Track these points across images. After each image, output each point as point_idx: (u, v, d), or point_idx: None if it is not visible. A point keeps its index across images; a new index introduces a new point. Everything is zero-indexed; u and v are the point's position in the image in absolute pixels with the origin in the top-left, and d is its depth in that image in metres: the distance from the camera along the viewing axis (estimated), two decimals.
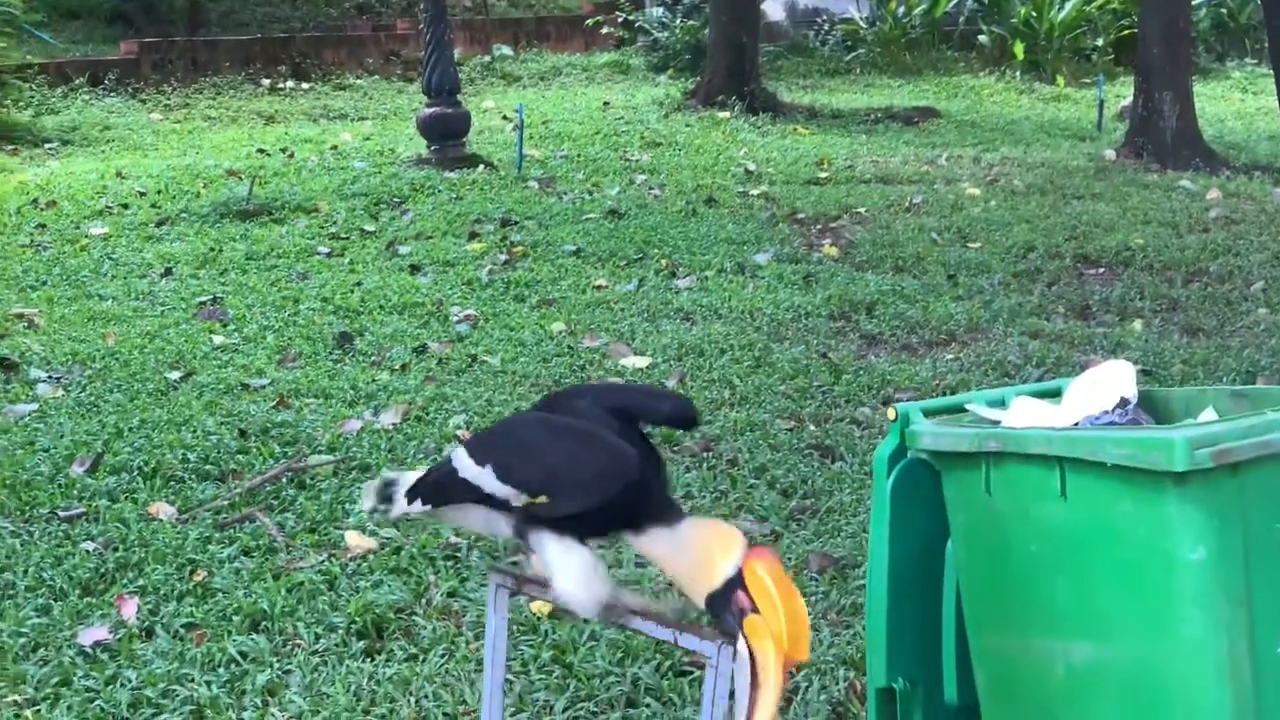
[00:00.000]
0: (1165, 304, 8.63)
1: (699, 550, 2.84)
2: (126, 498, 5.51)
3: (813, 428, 6.39)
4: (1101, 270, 9.57)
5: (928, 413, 3.37)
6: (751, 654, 2.75)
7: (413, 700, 4.03)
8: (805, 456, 6.00)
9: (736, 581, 2.76)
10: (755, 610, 2.73)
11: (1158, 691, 2.85)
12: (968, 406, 3.39)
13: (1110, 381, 3.33)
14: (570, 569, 2.84)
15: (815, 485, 5.66)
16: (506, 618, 3.13)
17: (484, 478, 2.93)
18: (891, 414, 3.33)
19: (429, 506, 3.13)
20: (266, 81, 19.35)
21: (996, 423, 3.28)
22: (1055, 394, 3.49)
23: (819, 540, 5.14)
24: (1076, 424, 3.22)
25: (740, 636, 2.76)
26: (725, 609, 2.77)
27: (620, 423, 2.92)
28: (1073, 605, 2.96)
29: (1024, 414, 3.29)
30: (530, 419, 3.08)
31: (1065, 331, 8.01)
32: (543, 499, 2.87)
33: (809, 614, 4.51)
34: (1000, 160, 14.17)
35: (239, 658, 4.27)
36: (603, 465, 2.83)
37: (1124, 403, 3.23)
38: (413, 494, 3.18)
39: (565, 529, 2.85)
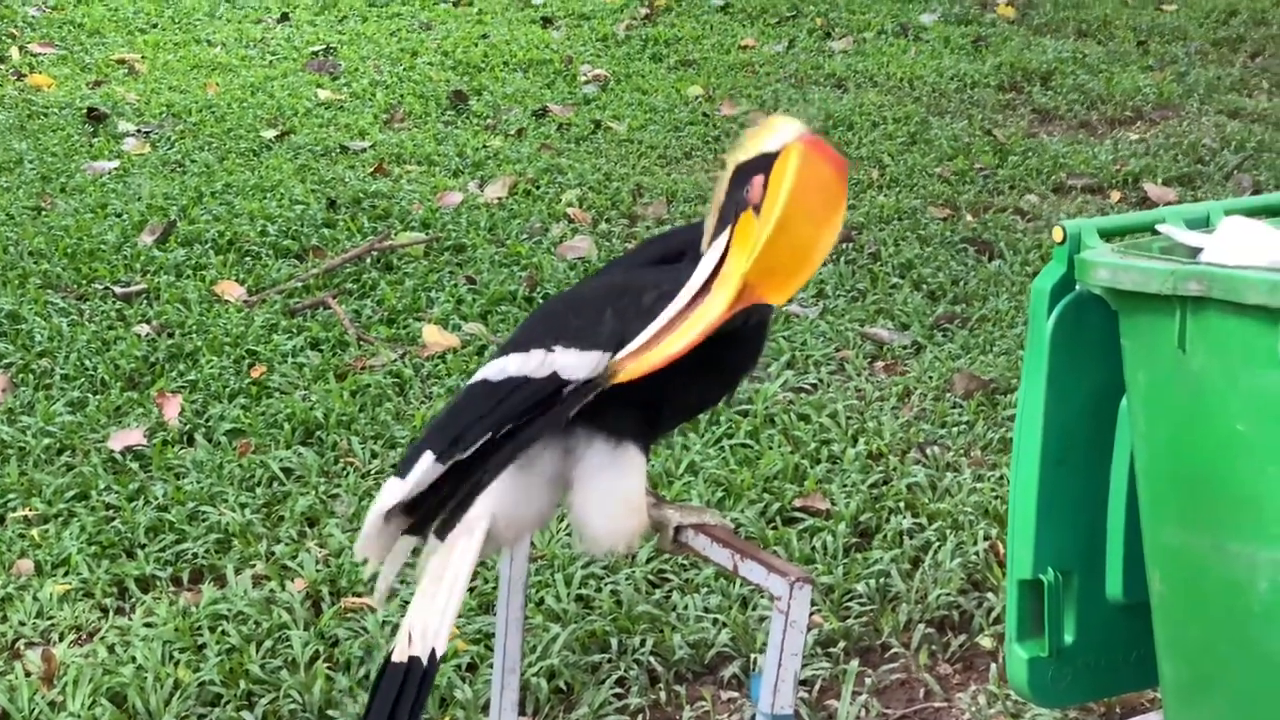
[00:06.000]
0: None
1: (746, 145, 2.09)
2: (194, 274, 4.96)
3: (969, 218, 5.61)
4: None
5: (1105, 233, 2.61)
6: (725, 256, 2.00)
7: None
8: (959, 252, 5.24)
9: (765, 163, 1.99)
10: (759, 207, 1.97)
11: None
12: (1160, 228, 2.62)
13: None
14: (614, 490, 2.10)
15: (968, 288, 4.92)
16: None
17: (550, 361, 2.07)
18: (1058, 234, 2.58)
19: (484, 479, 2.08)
20: None
21: (1198, 252, 2.52)
22: (1278, 212, 2.70)
23: (967, 356, 4.42)
24: None
25: (728, 231, 2.00)
26: (737, 193, 2.02)
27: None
28: None
29: (1236, 242, 2.51)
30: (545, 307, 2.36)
31: (1270, 111, 7.05)
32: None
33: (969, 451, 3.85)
34: None
35: (282, 475, 3.72)
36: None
37: None
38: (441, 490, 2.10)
39: (629, 428, 2.10)
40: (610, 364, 2.00)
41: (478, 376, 2.18)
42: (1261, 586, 2.28)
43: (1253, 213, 2.68)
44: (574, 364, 2.07)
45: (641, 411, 2.09)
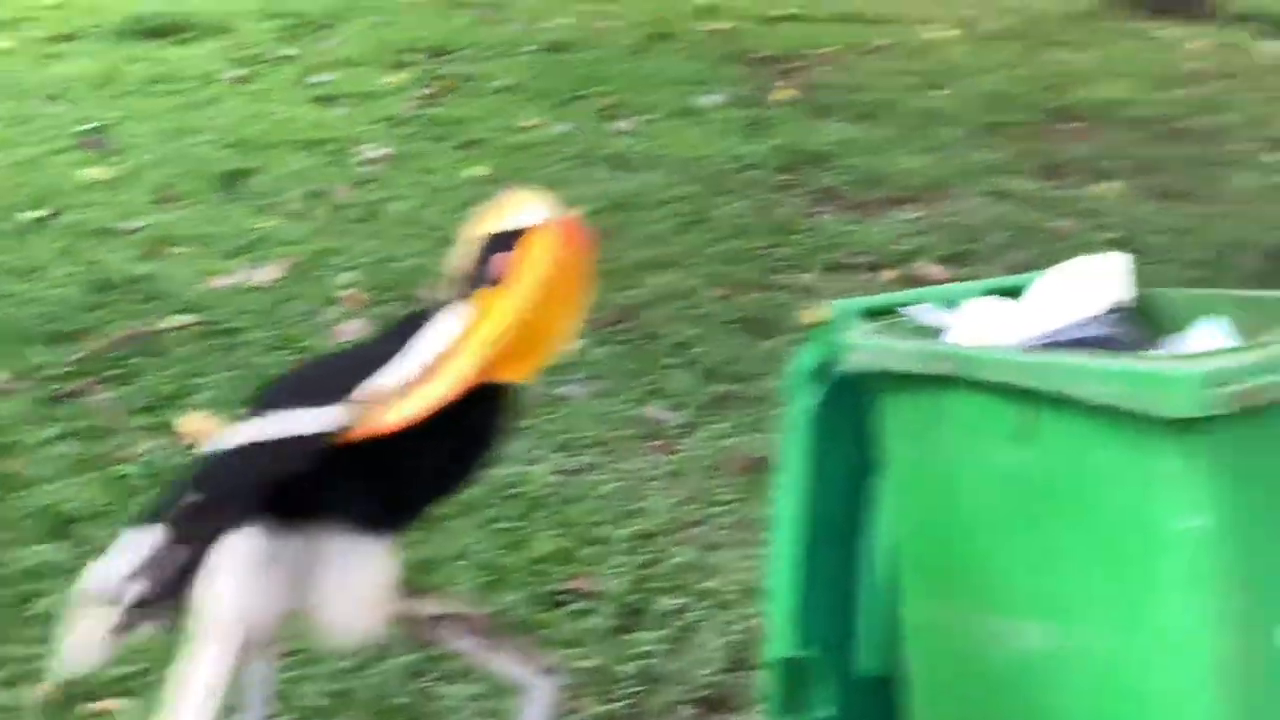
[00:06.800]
0: (1143, 165, 7.87)
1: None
2: None
3: (746, 297, 5.66)
4: (1076, 125, 8.80)
5: (870, 313, 2.65)
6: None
7: None
8: (734, 331, 5.28)
9: (506, 241, 2.00)
10: (501, 283, 2.00)
11: (1130, 693, 2.20)
12: (905, 310, 2.66)
13: (1096, 277, 2.61)
14: (352, 582, 2.04)
15: (741, 367, 4.95)
16: None
17: (283, 421, 2.07)
18: (808, 316, 2.61)
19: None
20: None
21: (942, 332, 2.57)
22: (1016, 293, 2.76)
23: (737, 435, 4.44)
24: (1047, 333, 2.50)
25: (469, 305, 2.03)
26: (483, 264, 2.06)
27: None
28: (1029, 577, 2.28)
29: (980, 321, 2.56)
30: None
31: (1035, 192, 7.28)
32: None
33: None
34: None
35: (33, 572, 3.56)
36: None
37: (1110, 309, 2.52)
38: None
39: (367, 518, 2.04)
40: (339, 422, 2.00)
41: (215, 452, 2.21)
42: (1000, 657, 2.32)
43: (1000, 293, 2.75)
44: (300, 419, 2.07)
45: (378, 500, 2.06)
